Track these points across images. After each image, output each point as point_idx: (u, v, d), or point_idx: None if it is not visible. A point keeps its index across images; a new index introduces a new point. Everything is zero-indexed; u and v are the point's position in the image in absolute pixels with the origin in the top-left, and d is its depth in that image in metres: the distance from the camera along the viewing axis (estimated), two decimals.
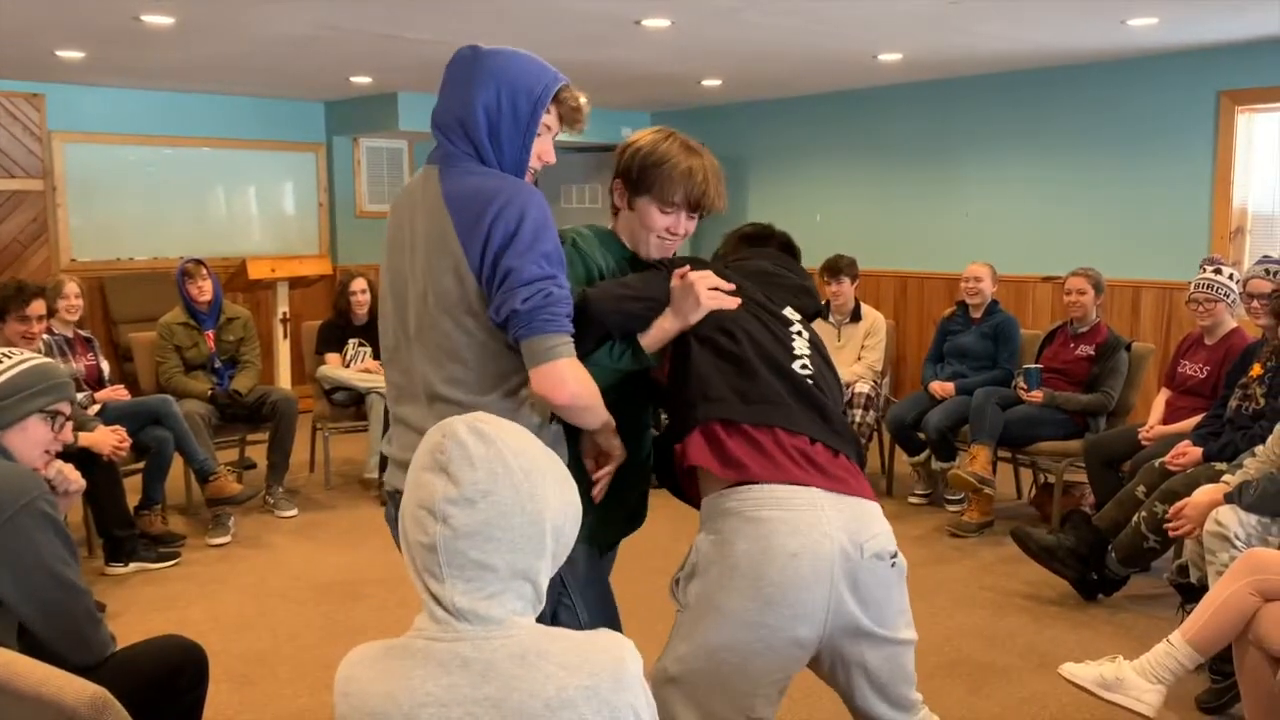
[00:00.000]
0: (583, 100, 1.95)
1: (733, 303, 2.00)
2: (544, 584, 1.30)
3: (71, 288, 4.91)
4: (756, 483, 1.82)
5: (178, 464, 4.85)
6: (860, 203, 7.73)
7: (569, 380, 1.74)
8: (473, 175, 1.82)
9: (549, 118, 1.90)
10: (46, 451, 2.20)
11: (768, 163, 8.33)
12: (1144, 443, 4.28)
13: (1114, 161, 6.41)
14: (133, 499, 4.59)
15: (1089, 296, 4.87)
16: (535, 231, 1.74)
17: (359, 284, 5.81)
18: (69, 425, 2.27)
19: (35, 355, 2.26)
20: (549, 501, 1.28)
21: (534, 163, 1.89)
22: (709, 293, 1.96)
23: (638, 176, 2.03)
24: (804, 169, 8.08)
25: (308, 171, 8.30)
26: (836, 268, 5.67)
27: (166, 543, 4.62)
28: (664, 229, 2.04)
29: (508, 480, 1.25)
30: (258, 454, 5.67)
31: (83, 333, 5.04)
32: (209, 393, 5.13)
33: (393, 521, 1.75)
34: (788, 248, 2.39)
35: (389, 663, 1.26)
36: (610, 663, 1.26)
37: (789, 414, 1.89)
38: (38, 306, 4.24)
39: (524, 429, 1.35)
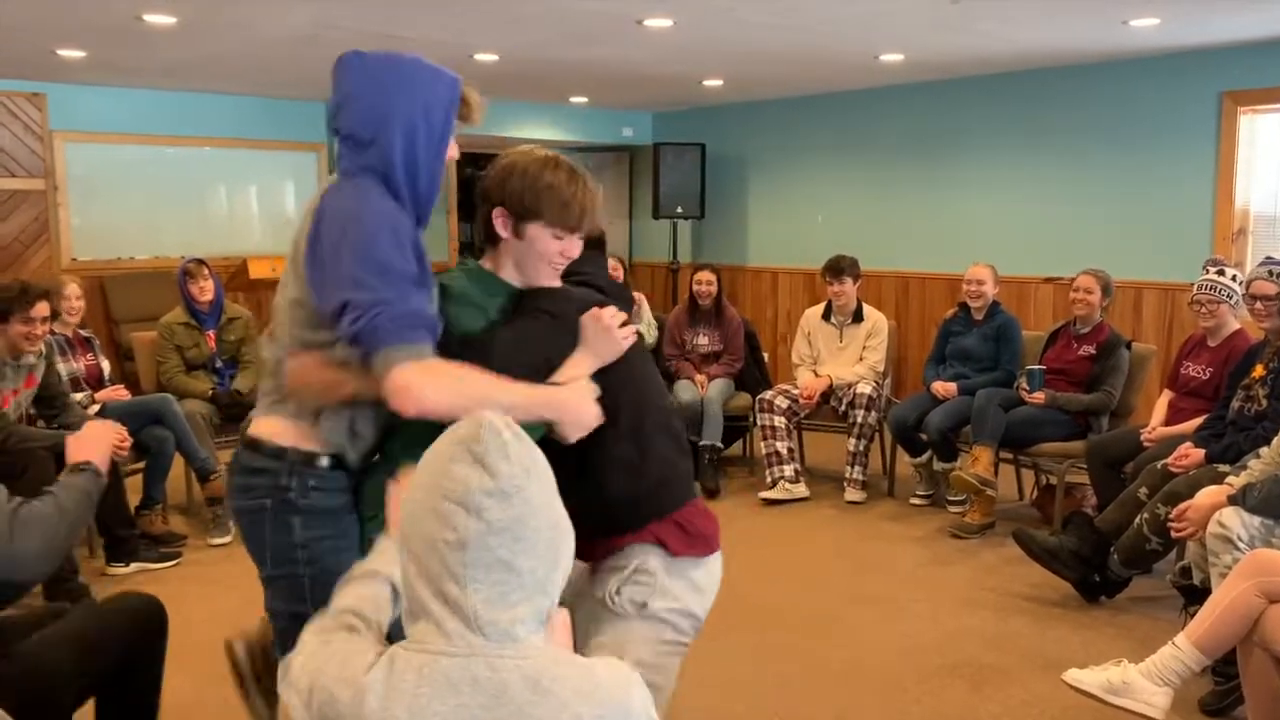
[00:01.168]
0: (478, 96, 1.93)
1: (631, 336, 1.99)
2: (555, 601, 1.26)
3: (73, 289, 4.91)
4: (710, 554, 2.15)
5: (179, 464, 4.85)
6: (862, 203, 7.73)
7: (413, 387, 1.67)
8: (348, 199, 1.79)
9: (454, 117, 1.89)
10: None
11: (769, 163, 8.33)
12: (1146, 444, 4.27)
13: (1116, 162, 6.41)
14: (134, 499, 4.59)
15: (1096, 297, 4.86)
16: (360, 247, 1.72)
17: None
18: None
19: None
20: (559, 509, 1.26)
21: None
22: (623, 332, 1.94)
23: (528, 203, 1.93)
24: (806, 169, 8.07)
25: (308, 171, 8.30)
26: (838, 268, 5.66)
27: (168, 542, 4.62)
28: (558, 254, 1.96)
29: (537, 479, 1.23)
30: None
31: (83, 332, 5.03)
32: (210, 392, 5.12)
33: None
34: (600, 243, 2.31)
35: (388, 675, 1.20)
36: (620, 694, 1.23)
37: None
38: (42, 308, 4.22)
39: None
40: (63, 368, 4.69)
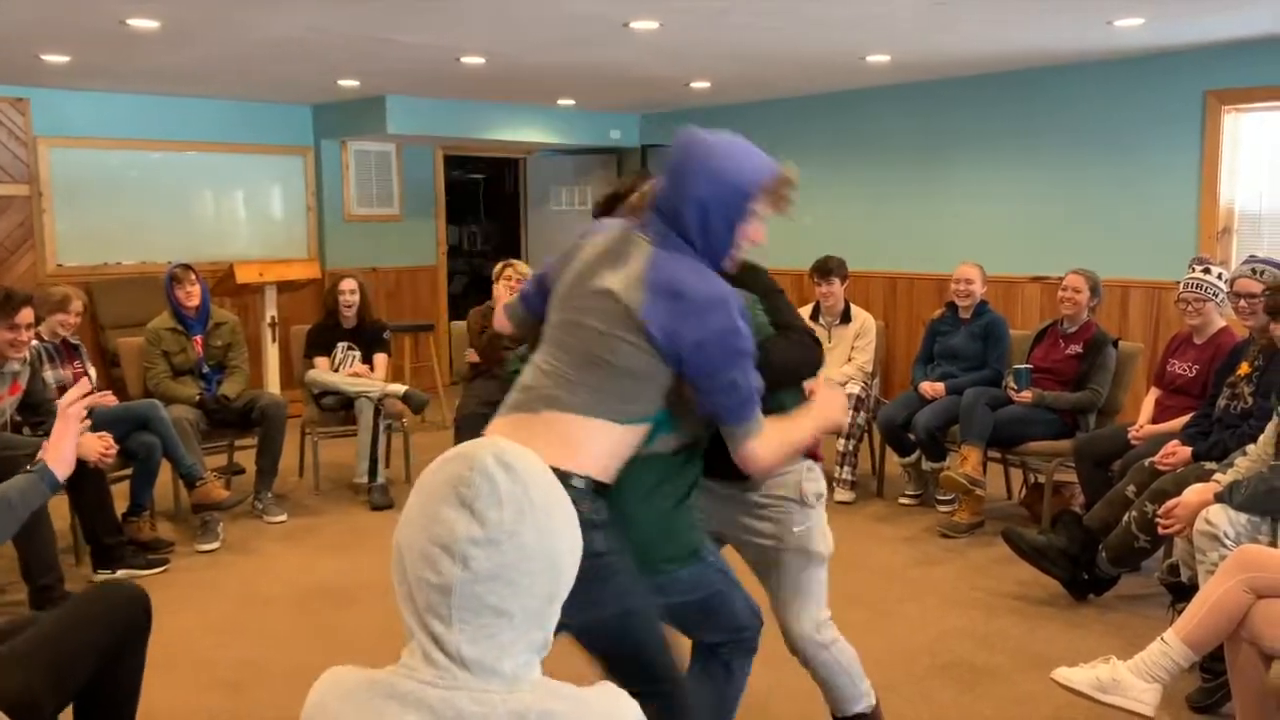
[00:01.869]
0: (793, 182, 2.13)
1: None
2: (552, 629, 1.21)
3: (76, 305, 4.88)
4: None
5: (166, 470, 4.83)
6: (849, 204, 7.74)
7: (760, 456, 1.98)
8: (680, 268, 1.95)
9: (759, 205, 2.06)
10: None
11: None
12: (1133, 442, 4.29)
13: (1102, 161, 6.44)
14: (121, 505, 4.57)
15: (1084, 296, 4.88)
16: (726, 334, 1.92)
17: (348, 284, 5.79)
18: None
19: None
20: (563, 539, 1.20)
21: (742, 245, 2.06)
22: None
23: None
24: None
25: (295, 175, 8.28)
26: (826, 269, 5.66)
27: (155, 549, 4.59)
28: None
29: (532, 520, 1.15)
30: (246, 459, 5.65)
31: (71, 340, 5.01)
32: (197, 398, 5.10)
33: None
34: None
35: (372, 701, 1.16)
36: None
37: None
38: (26, 315, 4.19)
39: (539, 458, 1.24)
40: (50, 375, 4.67)
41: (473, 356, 5.91)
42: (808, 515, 2.55)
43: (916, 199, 7.37)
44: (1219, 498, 3.09)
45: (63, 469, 2.28)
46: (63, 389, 4.71)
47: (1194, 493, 3.22)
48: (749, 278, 2.36)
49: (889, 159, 7.50)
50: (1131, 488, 3.89)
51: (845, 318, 5.73)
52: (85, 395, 2.33)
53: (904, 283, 7.44)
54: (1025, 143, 6.79)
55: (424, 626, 1.15)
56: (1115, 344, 4.91)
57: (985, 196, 7.02)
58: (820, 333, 5.75)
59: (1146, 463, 3.90)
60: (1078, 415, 4.85)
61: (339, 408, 5.63)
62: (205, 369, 5.26)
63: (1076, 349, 4.91)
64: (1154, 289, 6.20)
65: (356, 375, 5.66)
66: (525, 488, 1.16)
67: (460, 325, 6.10)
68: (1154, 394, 4.51)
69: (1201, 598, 2.63)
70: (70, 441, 2.30)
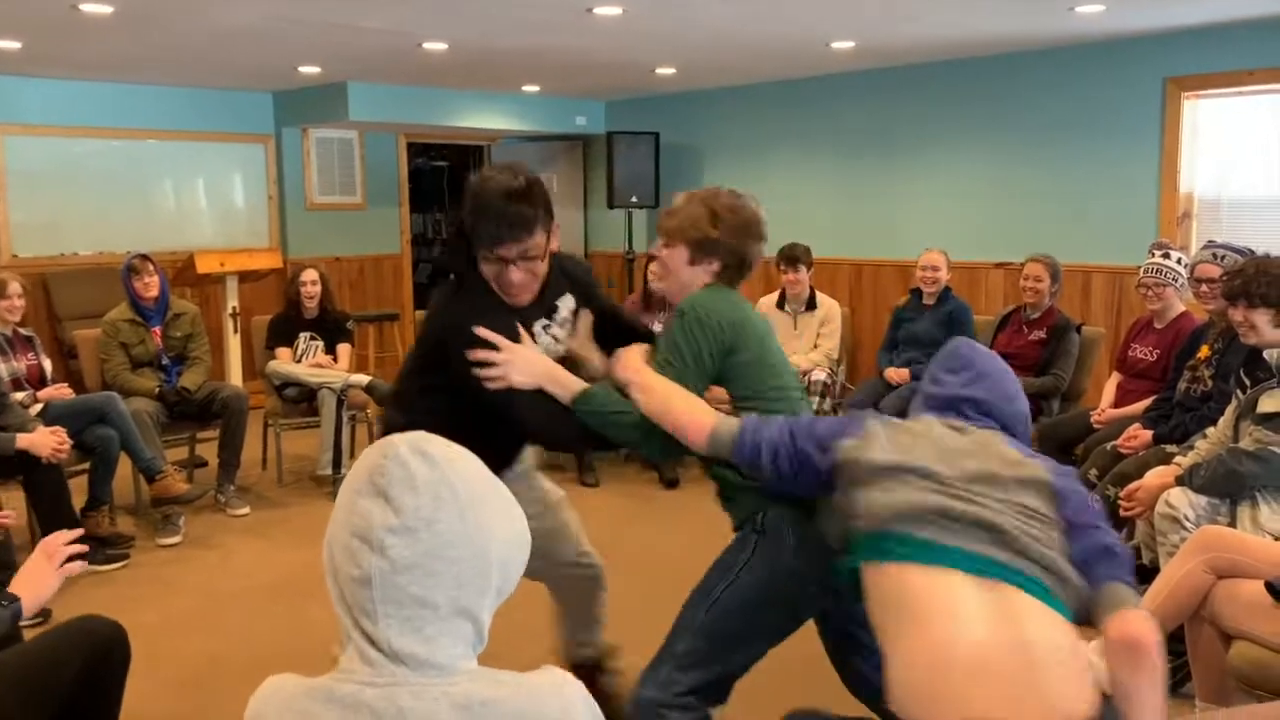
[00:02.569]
0: None
1: None
2: (487, 622, 1.19)
3: (14, 287, 4.78)
4: None
5: (125, 463, 4.75)
6: (815, 191, 7.75)
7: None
8: None
9: None
10: None
11: (723, 151, 8.32)
12: (1096, 426, 4.32)
13: (1063, 148, 6.48)
14: (79, 500, 4.49)
15: (1045, 284, 4.92)
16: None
17: (309, 275, 5.72)
18: None
19: None
20: (495, 532, 1.17)
21: None
22: None
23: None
24: (759, 157, 8.08)
25: (256, 163, 8.16)
26: (793, 256, 5.68)
27: (114, 544, 4.52)
28: None
29: (454, 507, 1.14)
30: (208, 452, 5.57)
31: (23, 331, 4.91)
32: (156, 390, 5.03)
33: None
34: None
35: (310, 706, 1.14)
36: (559, 709, 1.17)
37: None
38: None
39: (469, 452, 1.22)
40: (3, 367, 4.58)
41: None
42: None
43: (881, 186, 7.39)
44: (1179, 480, 3.12)
45: (33, 606, 2.12)
46: (16, 381, 4.63)
47: (1154, 476, 3.26)
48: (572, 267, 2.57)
49: (854, 146, 7.51)
50: (1094, 471, 3.92)
51: (811, 304, 5.75)
52: (74, 540, 2.18)
53: (869, 270, 7.46)
54: (988, 129, 6.82)
55: (356, 625, 1.13)
56: (1078, 329, 4.95)
57: (949, 183, 7.05)
58: (786, 320, 5.78)
59: (1109, 446, 3.94)
60: (1041, 400, 4.89)
61: (302, 399, 5.57)
62: (165, 360, 5.18)
63: (1040, 334, 4.95)
64: (1116, 274, 6.26)
65: (319, 366, 5.60)
66: (444, 476, 1.15)
67: (424, 315, 6.04)
68: (1116, 378, 4.55)
69: (1163, 579, 2.66)
70: (50, 583, 2.12)
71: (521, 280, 2.27)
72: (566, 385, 2.25)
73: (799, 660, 3.50)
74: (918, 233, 6.90)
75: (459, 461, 1.18)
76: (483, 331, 2.20)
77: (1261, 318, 3.21)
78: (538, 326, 2.41)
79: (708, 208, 2.41)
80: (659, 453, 2.25)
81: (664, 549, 4.65)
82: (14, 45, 5.82)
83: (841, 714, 2.00)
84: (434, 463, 1.15)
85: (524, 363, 2.22)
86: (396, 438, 1.18)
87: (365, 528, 1.12)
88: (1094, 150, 6.35)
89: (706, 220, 2.39)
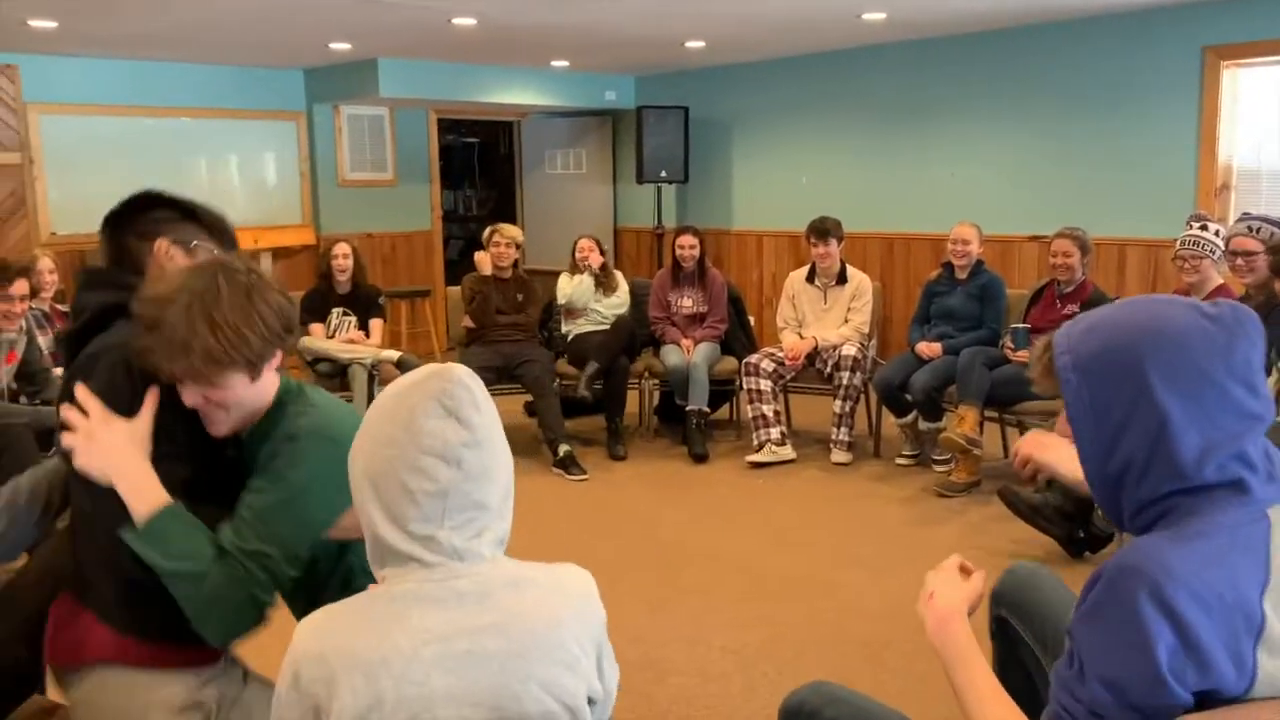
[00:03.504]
0: None
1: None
2: (509, 522, 1.35)
3: (45, 263, 4.85)
4: None
5: None
6: (846, 164, 7.70)
7: None
8: None
9: None
10: None
11: (753, 125, 8.28)
12: None
13: (1099, 119, 6.39)
14: None
15: (1075, 259, 4.86)
16: None
17: (341, 249, 5.76)
18: None
19: None
20: (505, 442, 1.37)
21: None
22: None
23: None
24: (789, 131, 8.03)
25: (288, 140, 8.22)
26: (823, 229, 5.65)
27: None
28: None
29: (498, 426, 1.33)
30: None
31: (60, 307, 4.98)
32: None
33: None
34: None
35: (372, 613, 1.25)
36: (582, 586, 1.38)
37: None
38: (20, 286, 4.18)
39: None
40: (41, 341, 4.65)
41: (468, 322, 5.90)
42: None
43: (913, 158, 7.32)
44: None
45: None
46: (55, 355, 4.71)
47: None
48: None
49: (885, 118, 7.45)
50: None
51: (841, 278, 5.72)
52: None
53: (900, 243, 7.41)
54: (1022, 101, 6.74)
55: (412, 536, 1.25)
56: (1113, 303, 4.89)
57: (982, 155, 6.98)
58: (815, 294, 5.76)
59: None
60: None
61: (334, 374, 5.63)
62: None
63: (1073, 309, 4.90)
64: (1151, 247, 6.18)
65: (351, 341, 5.65)
66: (487, 397, 1.33)
67: (456, 290, 6.09)
68: None
69: None
70: None
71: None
72: (147, 500, 1.62)
73: (784, 634, 3.52)
74: (949, 206, 6.84)
75: (483, 385, 1.35)
76: (81, 392, 1.69)
77: None
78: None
79: (210, 321, 1.61)
80: (218, 636, 1.64)
81: (692, 526, 4.67)
82: (50, 25, 5.89)
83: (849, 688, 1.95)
84: (479, 384, 1.32)
85: (106, 445, 1.64)
86: (445, 366, 1.32)
87: (442, 446, 1.25)
88: (1130, 121, 6.26)
89: (229, 336, 1.63)
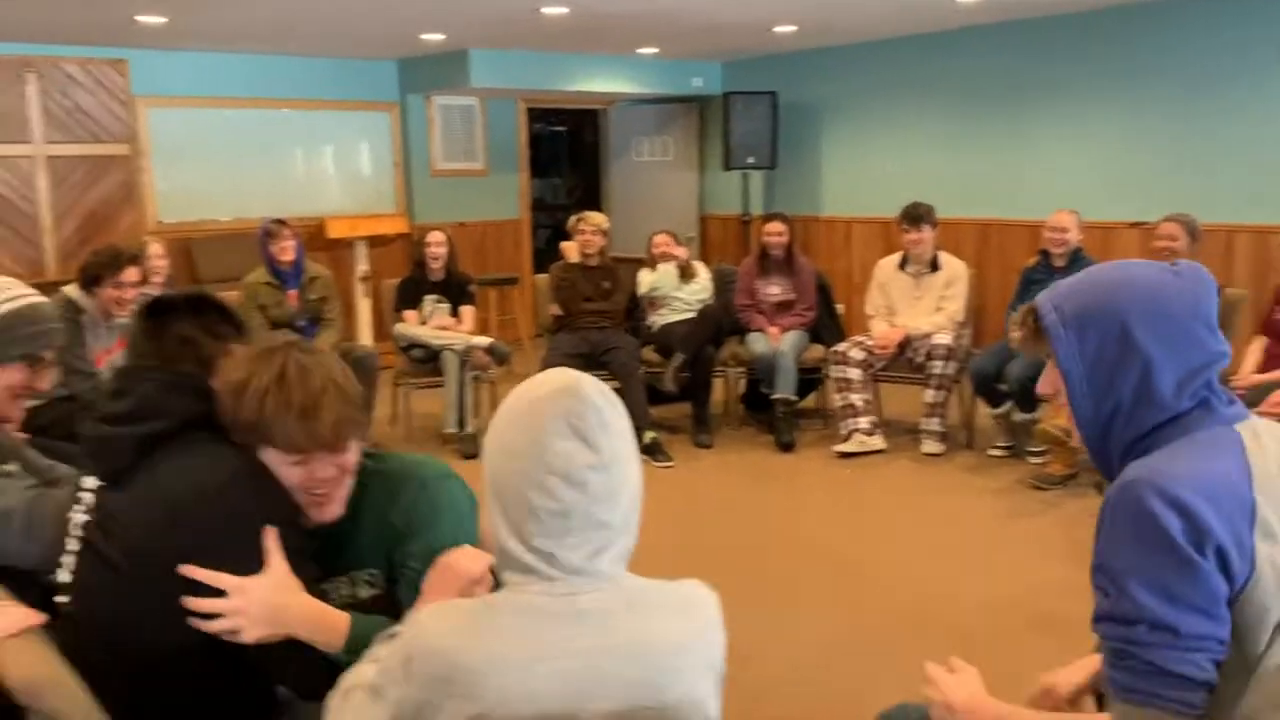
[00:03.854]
0: None
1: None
2: (635, 537, 1.34)
3: (155, 249, 5.03)
4: None
5: None
6: (939, 149, 7.55)
7: None
8: None
9: None
10: (17, 396, 2.06)
11: (843, 110, 8.17)
12: (1235, 391, 4.13)
13: (1204, 101, 6.15)
14: None
15: (1182, 244, 4.70)
16: None
17: (436, 237, 5.87)
18: (47, 372, 2.10)
19: (29, 293, 2.08)
20: (636, 456, 1.36)
21: None
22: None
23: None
24: (881, 115, 7.91)
25: (382, 131, 8.38)
26: (915, 215, 5.56)
27: None
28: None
29: (626, 443, 1.31)
30: None
31: (169, 291, 5.17)
32: None
33: None
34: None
35: (493, 619, 1.26)
36: (706, 609, 1.36)
37: None
38: (132, 273, 4.34)
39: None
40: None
41: (555, 309, 5.96)
42: None
43: (1008, 143, 7.15)
44: None
45: None
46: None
47: None
48: None
49: (979, 102, 7.28)
50: None
51: (934, 266, 5.62)
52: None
53: (995, 229, 7.25)
54: (1123, 82, 6.52)
55: (534, 550, 1.26)
56: (1220, 291, 4.72)
57: (1081, 139, 6.78)
58: (907, 282, 5.67)
59: None
60: None
61: (427, 360, 5.74)
62: (300, 322, 5.40)
63: None
64: (1260, 233, 5.93)
65: (443, 328, 5.75)
66: (617, 414, 1.31)
67: (544, 278, 6.15)
68: (1261, 341, 4.35)
69: None
70: None
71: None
72: (334, 628, 1.58)
73: (871, 624, 3.48)
74: (1046, 191, 6.67)
75: (615, 398, 1.34)
76: (203, 574, 1.52)
77: None
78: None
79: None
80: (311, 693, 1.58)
81: (779, 515, 4.66)
82: (158, 20, 6.10)
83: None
84: (611, 403, 1.31)
85: (261, 610, 1.54)
86: (578, 380, 1.31)
87: (566, 467, 1.25)
88: (1237, 103, 6.01)
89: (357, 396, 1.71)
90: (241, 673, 1.60)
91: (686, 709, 1.29)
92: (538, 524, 1.26)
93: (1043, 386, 1.52)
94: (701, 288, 6.05)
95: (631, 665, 1.25)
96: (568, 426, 1.26)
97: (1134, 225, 6.46)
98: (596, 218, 5.98)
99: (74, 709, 1.35)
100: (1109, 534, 1.39)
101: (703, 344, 5.67)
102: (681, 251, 6.04)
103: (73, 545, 1.65)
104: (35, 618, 1.49)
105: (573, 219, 6.07)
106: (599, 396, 1.30)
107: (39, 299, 2.08)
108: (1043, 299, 1.50)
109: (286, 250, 5.34)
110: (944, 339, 5.38)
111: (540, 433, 1.27)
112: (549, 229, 11.39)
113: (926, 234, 5.55)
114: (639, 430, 5.40)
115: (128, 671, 1.56)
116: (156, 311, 1.78)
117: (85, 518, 1.66)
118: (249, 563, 1.53)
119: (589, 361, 5.59)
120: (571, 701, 1.23)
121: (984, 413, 5.44)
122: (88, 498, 1.67)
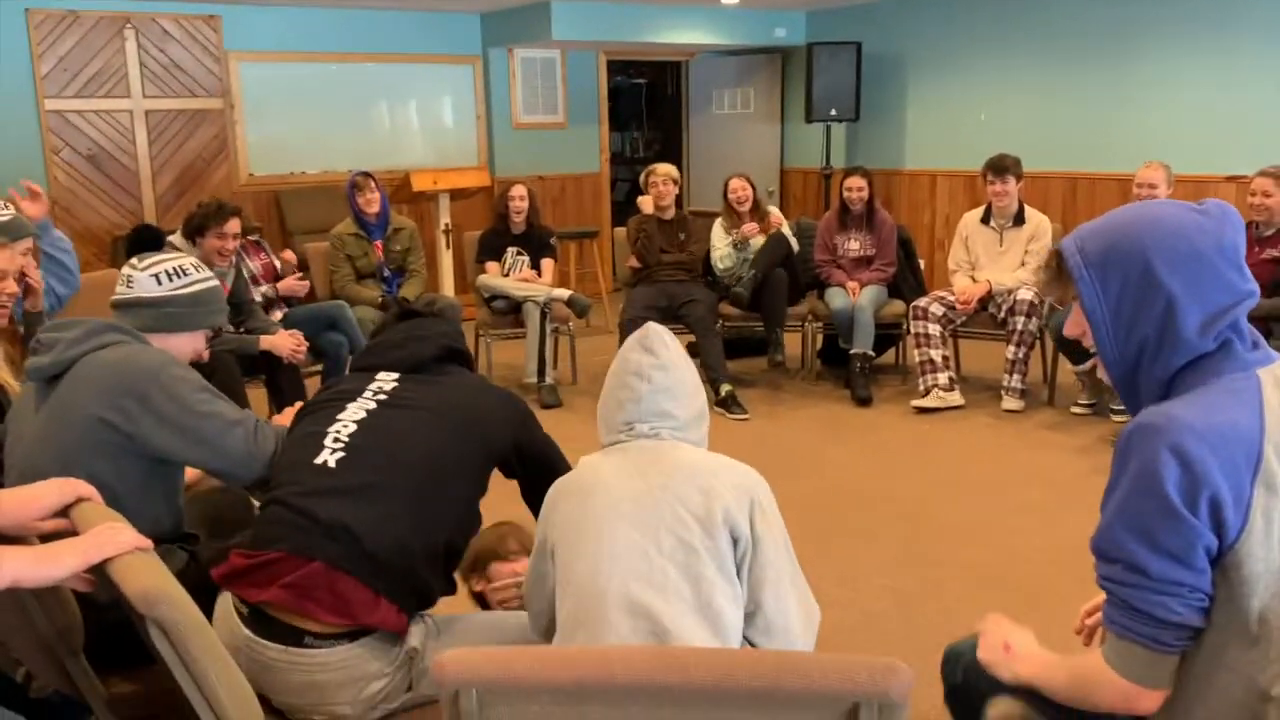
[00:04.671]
0: None
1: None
2: (705, 442, 1.90)
3: (231, 226, 5.10)
4: None
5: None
6: (1027, 101, 7.36)
7: None
8: None
9: None
10: (195, 358, 2.42)
11: (928, 61, 8.00)
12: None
13: None
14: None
15: (1276, 199, 4.55)
16: None
17: (518, 190, 5.94)
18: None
19: (209, 273, 2.44)
20: (702, 387, 1.95)
21: None
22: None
23: None
24: (967, 66, 7.73)
25: (465, 84, 8.46)
26: (1001, 166, 5.45)
27: None
28: None
29: (684, 361, 1.89)
30: None
31: (252, 238, 5.26)
32: (379, 300, 5.39)
33: None
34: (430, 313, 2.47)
35: (595, 460, 1.83)
36: (744, 468, 1.81)
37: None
38: (234, 225, 4.52)
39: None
40: (246, 266, 5.00)
41: (633, 262, 6.01)
42: None
43: (1098, 94, 6.94)
44: None
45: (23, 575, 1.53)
46: (253, 278, 5.03)
47: None
48: None
49: (1067, 53, 7.07)
50: None
51: (1019, 219, 5.52)
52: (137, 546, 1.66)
53: (1085, 183, 7.07)
54: (1222, 28, 6.27)
55: (619, 425, 1.85)
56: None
57: (1176, 89, 6.54)
58: (991, 235, 5.59)
59: None
60: (1271, 323, 4.56)
61: (509, 311, 5.84)
62: (386, 272, 5.54)
63: (1273, 253, 4.60)
64: None
65: (525, 280, 5.84)
66: (678, 346, 1.89)
67: (622, 231, 6.19)
68: None
69: None
70: (65, 565, 1.56)
71: None
72: None
73: (946, 577, 3.48)
74: (1140, 144, 6.47)
75: (677, 342, 1.93)
76: None
77: None
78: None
79: None
80: None
81: (855, 467, 4.67)
82: None
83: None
84: (671, 335, 1.91)
85: None
86: (648, 325, 1.93)
87: (638, 366, 1.84)
88: None
89: None
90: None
91: (699, 500, 1.70)
92: (621, 410, 1.84)
93: (1069, 329, 1.53)
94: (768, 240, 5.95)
95: (662, 472, 1.74)
96: (639, 344, 1.86)
97: (1230, 179, 6.24)
98: (665, 168, 5.98)
99: (185, 618, 1.47)
100: (1114, 472, 1.42)
101: (773, 264, 5.61)
102: (748, 198, 5.90)
103: (358, 414, 2.07)
104: (146, 541, 1.62)
105: (643, 174, 6.09)
106: (664, 331, 1.90)
107: (215, 280, 2.45)
108: (1067, 240, 1.51)
109: (372, 202, 5.47)
110: (1027, 294, 5.29)
111: (625, 352, 1.89)
112: (628, 182, 11.41)
113: (1012, 186, 5.44)
114: (715, 383, 5.44)
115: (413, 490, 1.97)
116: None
117: (383, 398, 2.11)
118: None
119: (666, 314, 5.63)
120: (622, 487, 1.74)
121: (1066, 369, 5.36)
122: (388, 385, 2.15)
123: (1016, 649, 1.61)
